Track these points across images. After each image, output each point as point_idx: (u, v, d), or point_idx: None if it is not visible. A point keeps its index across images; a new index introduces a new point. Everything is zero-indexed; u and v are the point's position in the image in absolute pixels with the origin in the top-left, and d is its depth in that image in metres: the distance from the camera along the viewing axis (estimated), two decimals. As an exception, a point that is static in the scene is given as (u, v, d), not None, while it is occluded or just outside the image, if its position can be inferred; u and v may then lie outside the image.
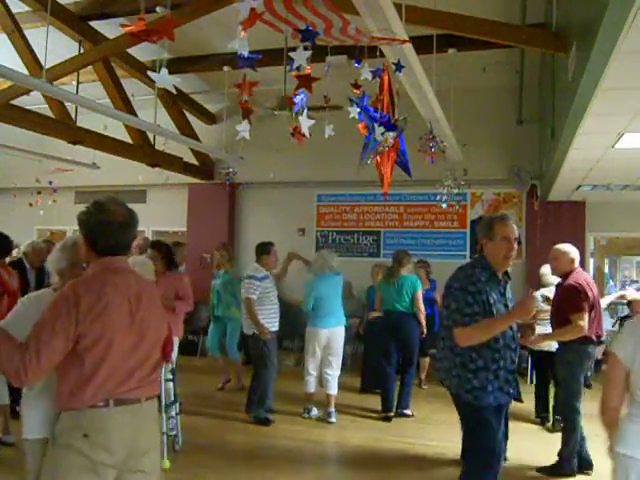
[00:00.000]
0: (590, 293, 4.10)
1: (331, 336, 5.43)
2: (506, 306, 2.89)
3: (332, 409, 5.43)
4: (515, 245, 2.90)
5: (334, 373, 5.47)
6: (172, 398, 4.50)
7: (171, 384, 4.52)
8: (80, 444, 2.02)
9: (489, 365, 2.79)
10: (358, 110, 3.52)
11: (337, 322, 5.49)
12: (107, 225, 2.20)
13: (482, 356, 2.80)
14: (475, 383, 2.78)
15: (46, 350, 1.96)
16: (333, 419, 5.37)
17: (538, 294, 5.28)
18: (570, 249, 4.36)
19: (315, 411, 5.53)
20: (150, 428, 2.23)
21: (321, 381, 5.59)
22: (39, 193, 9.70)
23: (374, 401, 5.80)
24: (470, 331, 2.76)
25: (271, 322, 5.31)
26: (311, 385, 5.54)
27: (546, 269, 5.47)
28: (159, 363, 2.36)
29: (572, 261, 4.30)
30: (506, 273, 2.99)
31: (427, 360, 6.79)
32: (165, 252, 4.95)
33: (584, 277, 4.28)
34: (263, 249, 5.54)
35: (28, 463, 2.38)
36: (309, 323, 5.53)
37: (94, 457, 2.02)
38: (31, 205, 9.57)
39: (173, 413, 4.50)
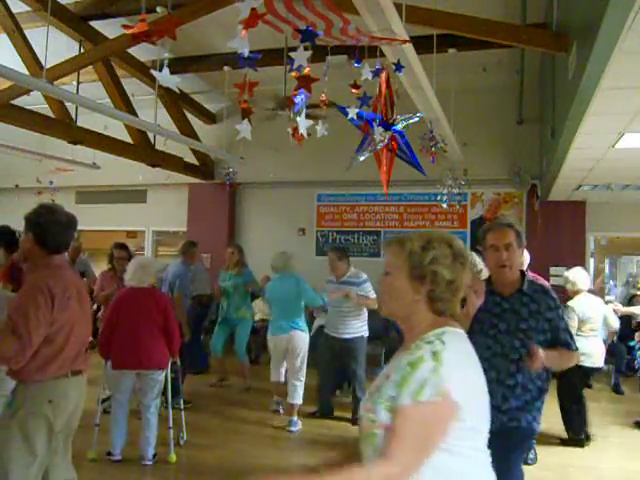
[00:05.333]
0: None
1: (288, 344, 5.10)
2: (495, 327, 2.55)
3: (294, 418, 5.07)
4: (505, 254, 2.54)
5: (299, 382, 5.12)
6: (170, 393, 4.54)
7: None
8: (45, 409, 2.46)
9: None
10: (355, 112, 3.52)
11: (292, 327, 5.11)
12: (57, 225, 2.54)
13: None
14: None
15: (36, 336, 2.36)
16: (293, 428, 5.01)
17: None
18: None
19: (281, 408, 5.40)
20: (84, 394, 2.72)
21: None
22: (40, 193, 9.71)
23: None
24: None
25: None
26: (279, 375, 5.32)
27: (576, 274, 4.91)
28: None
29: None
30: (521, 288, 2.56)
31: None
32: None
33: None
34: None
35: None
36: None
37: (54, 420, 2.48)
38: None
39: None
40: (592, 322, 4.78)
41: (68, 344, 2.53)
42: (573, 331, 4.59)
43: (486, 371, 2.31)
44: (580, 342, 4.58)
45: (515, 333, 2.52)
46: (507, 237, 2.57)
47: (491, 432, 2.23)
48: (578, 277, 4.85)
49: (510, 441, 2.46)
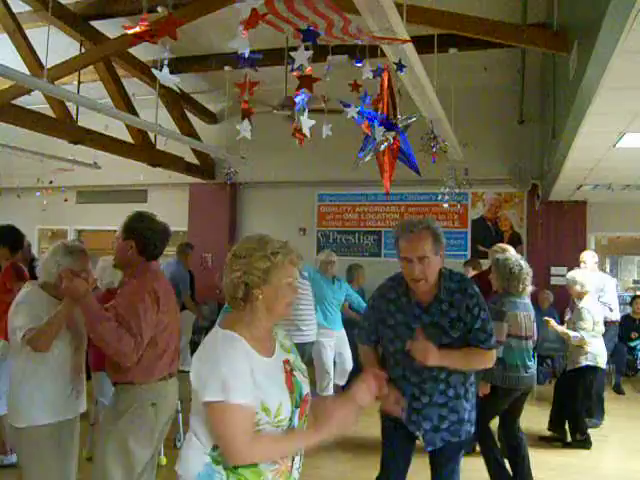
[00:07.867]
0: None
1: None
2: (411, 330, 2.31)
3: None
4: (418, 267, 2.25)
5: None
6: None
7: None
8: (149, 412, 2.51)
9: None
10: (357, 110, 3.51)
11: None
12: (157, 234, 2.64)
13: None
14: None
15: (146, 336, 2.44)
16: None
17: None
18: None
19: None
20: (177, 396, 2.78)
21: None
22: (45, 193, 9.76)
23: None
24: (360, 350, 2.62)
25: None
26: None
27: (584, 275, 4.83)
28: None
29: None
30: (439, 295, 2.34)
31: None
32: None
33: None
34: None
35: (29, 455, 2.54)
36: None
37: (155, 423, 2.54)
38: (45, 203, 9.68)
39: None
40: (600, 324, 4.71)
41: (169, 347, 2.62)
42: (586, 333, 4.55)
43: (418, 398, 2.40)
44: (595, 345, 4.59)
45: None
46: (420, 248, 2.26)
47: (434, 450, 2.46)
48: (587, 278, 4.76)
49: (452, 452, 2.48)
